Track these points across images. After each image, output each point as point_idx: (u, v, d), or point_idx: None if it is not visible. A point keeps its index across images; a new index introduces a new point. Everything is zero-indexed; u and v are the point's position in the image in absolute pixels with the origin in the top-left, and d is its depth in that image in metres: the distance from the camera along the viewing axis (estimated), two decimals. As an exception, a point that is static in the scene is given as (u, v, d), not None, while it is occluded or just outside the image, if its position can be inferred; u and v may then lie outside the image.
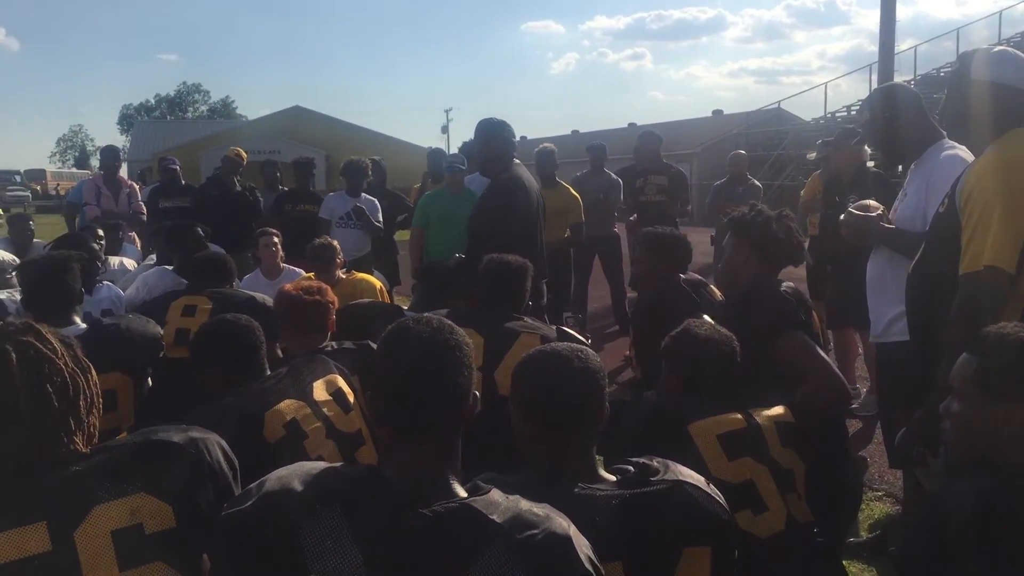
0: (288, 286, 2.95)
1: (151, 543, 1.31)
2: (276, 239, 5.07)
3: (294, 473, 1.28)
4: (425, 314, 1.42)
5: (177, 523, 1.34)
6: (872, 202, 3.10)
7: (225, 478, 1.46)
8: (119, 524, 1.30)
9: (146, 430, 1.46)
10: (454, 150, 7.38)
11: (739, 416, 2.11)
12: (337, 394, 2.38)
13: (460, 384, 1.32)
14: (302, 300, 2.76)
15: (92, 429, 1.41)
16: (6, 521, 1.25)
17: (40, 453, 1.32)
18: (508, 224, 3.98)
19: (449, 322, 1.37)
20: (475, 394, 1.37)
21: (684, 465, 1.70)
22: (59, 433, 1.34)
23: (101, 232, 5.10)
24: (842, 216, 3.12)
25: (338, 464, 1.37)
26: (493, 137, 4.26)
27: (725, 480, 1.93)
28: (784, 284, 2.63)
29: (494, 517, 1.20)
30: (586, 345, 1.99)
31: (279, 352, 3.04)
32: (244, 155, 7.07)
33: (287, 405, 2.25)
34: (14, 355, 1.32)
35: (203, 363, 2.46)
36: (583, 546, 1.25)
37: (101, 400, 1.44)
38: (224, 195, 6.77)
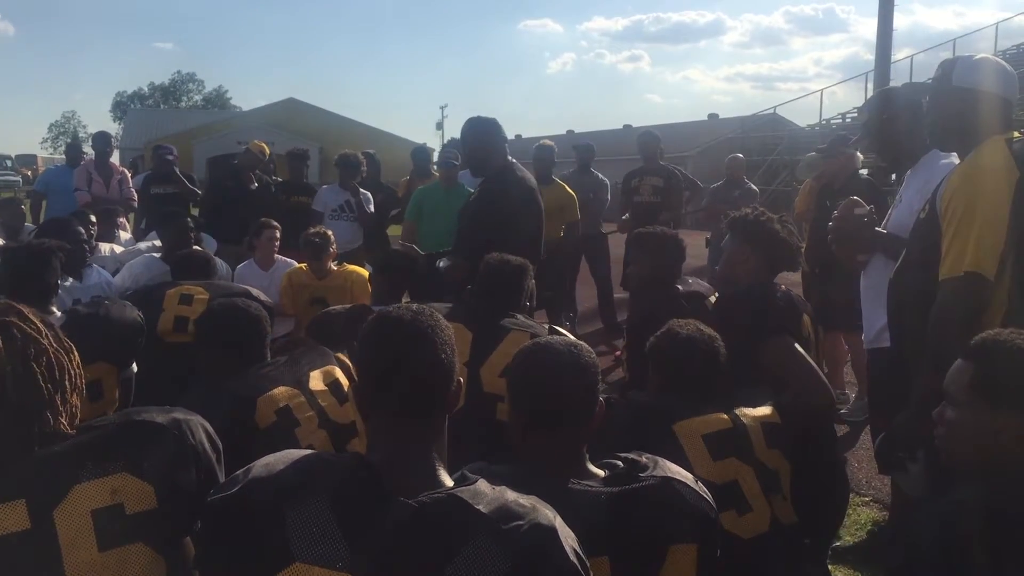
0: None
1: (132, 523, 1.31)
2: (278, 233, 5.08)
3: (281, 460, 1.28)
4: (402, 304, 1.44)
5: (158, 504, 1.33)
6: (860, 200, 3.09)
7: (208, 460, 1.45)
8: (99, 503, 1.29)
9: (129, 410, 1.45)
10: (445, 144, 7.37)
11: (725, 416, 2.11)
12: (333, 384, 2.37)
13: (443, 362, 1.33)
14: None
15: (75, 409, 1.40)
16: None
17: (26, 433, 1.31)
18: (507, 224, 3.81)
19: (429, 308, 1.40)
20: (459, 379, 1.38)
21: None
22: (45, 413, 1.33)
23: (94, 218, 5.06)
24: (831, 223, 3.12)
25: (326, 452, 1.36)
26: (481, 135, 4.05)
27: (710, 480, 1.92)
28: (780, 289, 2.63)
29: (480, 507, 1.20)
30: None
31: None
32: (267, 150, 6.99)
33: (281, 392, 2.25)
34: None
35: (211, 345, 2.46)
36: (568, 537, 1.25)
37: (83, 380, 1.43)
38: (238, 188, 6.64)
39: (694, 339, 2.25)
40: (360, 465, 1.28)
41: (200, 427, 1.46)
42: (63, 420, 1.36)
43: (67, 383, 1.38)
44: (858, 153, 5.19)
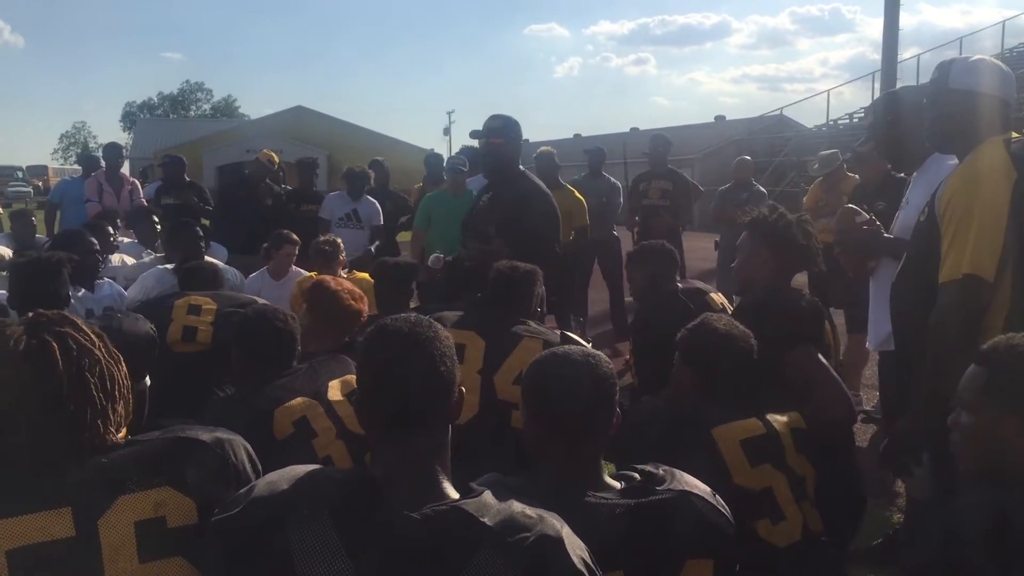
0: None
1: (172, 537, 1.32)
2: (297, 249, 5.09)
3: (283, 478, 1.29)
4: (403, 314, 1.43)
5: (199, 519, 1.34)
6: (857, 208, 3.11)
7: (248, 480, 1.45)
8: (143, 515, 1.31)
9: (175, 427, 1.47)
10: (455, 152, 7.37)
11: (758, 421, 2.08)
12: (352, 394, 2.36)
13: (443, 375, 1.32)
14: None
15: (122, 419, 1.43)
16: (33, 505, 1.27)
17: (77, 442, 1.34)
18: (544, 223, 3.98)
19: (427, 318, 1.39)
20: (460, 389, 1.37)
21: (706, 471, 1.68)
22: (97, 423, 1.36)
23: (111, 229, 5.09)
24: (836, 218, 3.13)
25: (329, 467, 1.36)
26: (507, 132, 4.09)
27: (747, 487, 1.90)
28: (804, 296, 2.61)
29: (485, 520, 1.20)
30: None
31: None
32: (276, 159, 7.02)
33: (298, 403, 2.25)
34: (56, 346, 1.33)
35: (242, 351, 2.46)
36: (576, 547, 1.24)
37: (130, 392, 1.46)
38: (249, 198, 6.67)
39: (732, 335, 2.20)
40: (362, 479, 1.28)
41: (242, 448, 1.48)
42: (112, 430, 1.39)
43: (116, 393, 1.40)
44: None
